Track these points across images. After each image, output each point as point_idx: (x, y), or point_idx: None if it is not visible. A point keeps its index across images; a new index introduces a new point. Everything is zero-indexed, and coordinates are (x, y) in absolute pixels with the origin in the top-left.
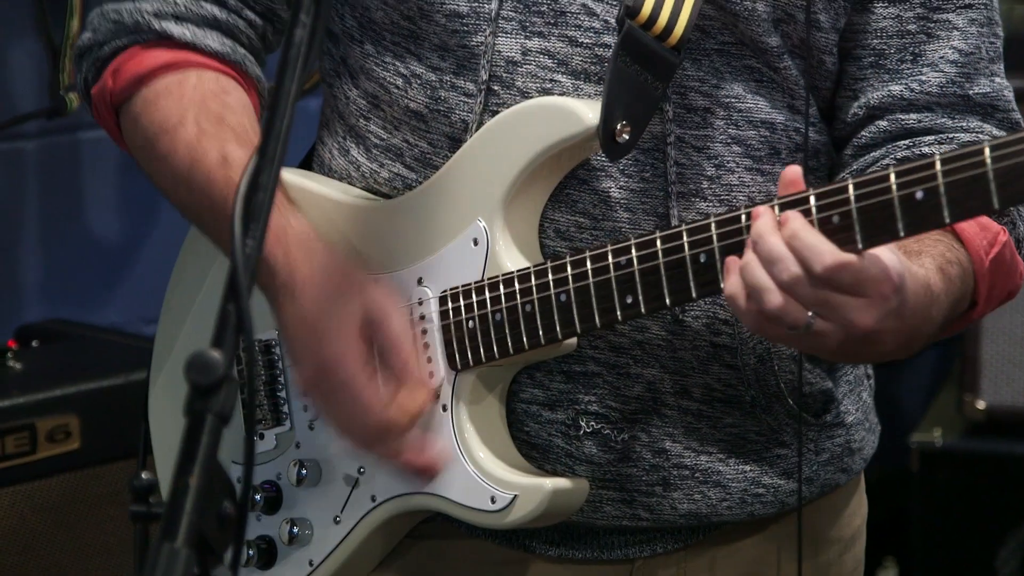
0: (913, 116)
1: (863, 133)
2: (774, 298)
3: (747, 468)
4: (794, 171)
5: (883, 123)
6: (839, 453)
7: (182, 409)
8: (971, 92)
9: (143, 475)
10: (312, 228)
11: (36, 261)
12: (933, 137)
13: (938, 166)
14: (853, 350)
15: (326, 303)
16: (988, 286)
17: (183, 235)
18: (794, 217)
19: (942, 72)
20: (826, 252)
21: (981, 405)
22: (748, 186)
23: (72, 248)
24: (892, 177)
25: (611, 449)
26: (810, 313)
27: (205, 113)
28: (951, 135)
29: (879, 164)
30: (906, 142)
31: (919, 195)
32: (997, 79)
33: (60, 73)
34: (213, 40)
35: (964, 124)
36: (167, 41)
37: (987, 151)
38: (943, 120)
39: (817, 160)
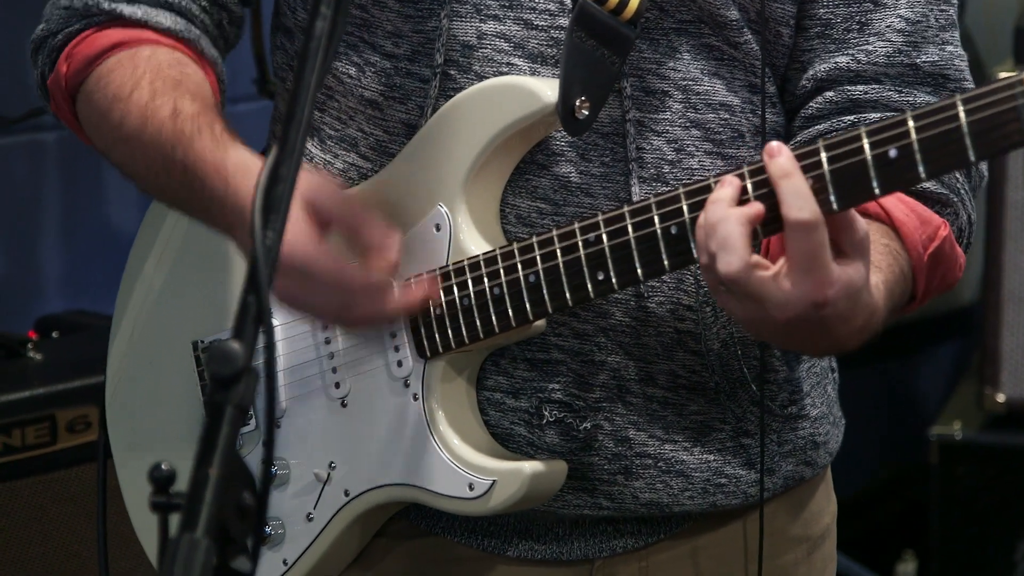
0: (860, 88)
1: (810, 104)
2: (710, 276)
3: (711, 457)
4: (778, 143)
5: (831, 94)
6: (803, 445)
7: (153, 406)
8: (919, 61)
9: (163, 465)
10: (251, 156)
11: (56, 252)
12: (877, 114)
13: (911, 123)
14: (757, 330)
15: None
16: (926, 280)
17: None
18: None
19: (888, 41)
20: (735, 259)
21: (1001, 398)
22: (708, 170)
23: (92, 239)
24: (864, 137)
25: (573, 438)
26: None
27: (160, 78)
28: (897, 109)
29: (823, 137)
30: (851, 117)
31: (892, 153)
32: (948, 47)
33: None
34: (166, 18)
35: (911, 99)
36: (119, 21)
37: (959, 105)
38: (889, 93)
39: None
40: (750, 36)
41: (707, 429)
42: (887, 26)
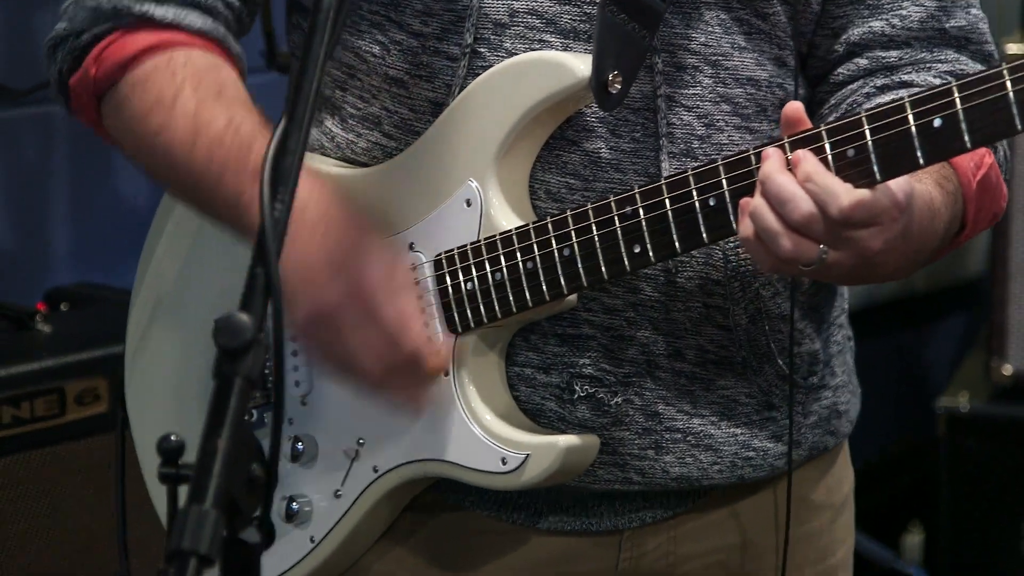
0: (893, 53)
1: (840, 70)
2: (785, 242)
3: (738, 431)
4: (795, 107)
5: (863, 60)
6: (826, 415)
7: (172, 377)
8: (947, 25)
9: (172, 437)
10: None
11: (66, 225)
12: (909, 76)
13: (956, 92)
14: (860, 273)
15: (352, 237)
16: (976, 208)
17: None
18: (806, 157)
19: (922, 6)
20: (841, 194)
21: (1008, 370)
22: (737, 145)
23: (102, 212)
24: (908, 107)
25: (604, 413)
26: (822, 246)
27: (203, 86)
28: (929, 65)
29: (855, 96)
30: (883, 80)
31: (937, 123)
32: (973, 10)
33: None
34: (195, 19)
35: (941, 56)
36: (149, 23)
37: (1006, 72)
38: (923, 54)
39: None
40: (779, 7)
41: (734, 403)
42: None
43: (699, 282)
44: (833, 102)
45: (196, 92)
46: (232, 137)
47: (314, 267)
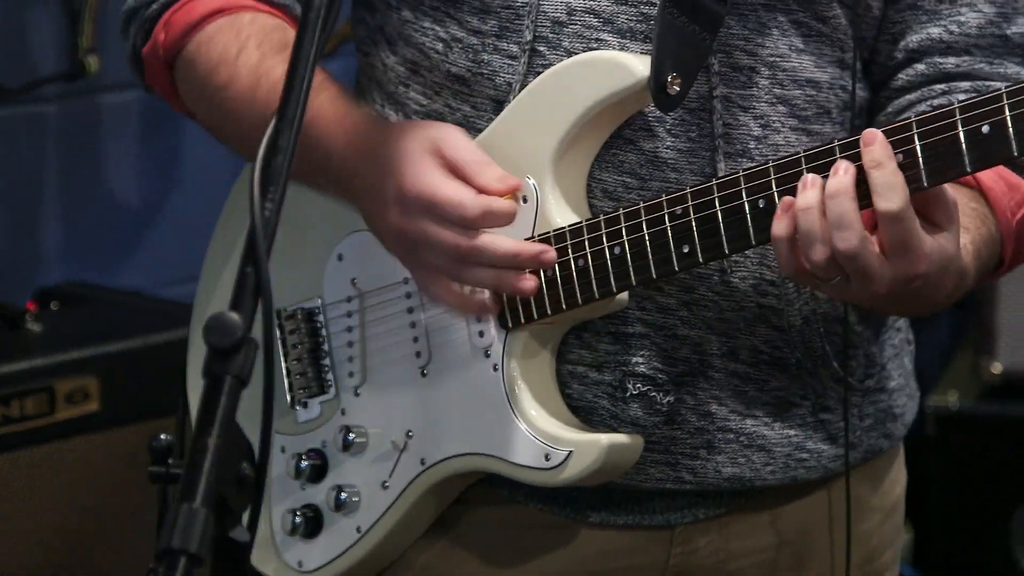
0: (951, 60)
1: (900, 76)
2: (821, 250)
3: (792, 433)
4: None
5: (921, 66)
6: (882, 418)
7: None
8: (1009, 32)
9: (162, 436)
10: (371, 114)
11: (56, 224)
12: (969, 83)
13: (1005, 99)
14: (874, 305)
15: (382, 152)
16: (1014, 246)
17: (204, 198)
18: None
19: (980, 12)
20: (852, 235)
21: (997, 368)
22: (794, 146)
23: (92, 211)
24: (957, 113)
25: (656, 412)
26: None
27: (268, 41)
28: (987, 82)
29: (914, 109)
30: (942, 86)
31: (985, 129)
32: None
33: (79, 36)
34: None
35: (1002, 70)
36: None
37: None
38: (981, 66)
39: (861, 119)
40: (840, 11)
41: (788, 404)
42: None
43: (753, 282)
44: (891, 109)
45: (260, 47)
46: None
47: (369, 202)
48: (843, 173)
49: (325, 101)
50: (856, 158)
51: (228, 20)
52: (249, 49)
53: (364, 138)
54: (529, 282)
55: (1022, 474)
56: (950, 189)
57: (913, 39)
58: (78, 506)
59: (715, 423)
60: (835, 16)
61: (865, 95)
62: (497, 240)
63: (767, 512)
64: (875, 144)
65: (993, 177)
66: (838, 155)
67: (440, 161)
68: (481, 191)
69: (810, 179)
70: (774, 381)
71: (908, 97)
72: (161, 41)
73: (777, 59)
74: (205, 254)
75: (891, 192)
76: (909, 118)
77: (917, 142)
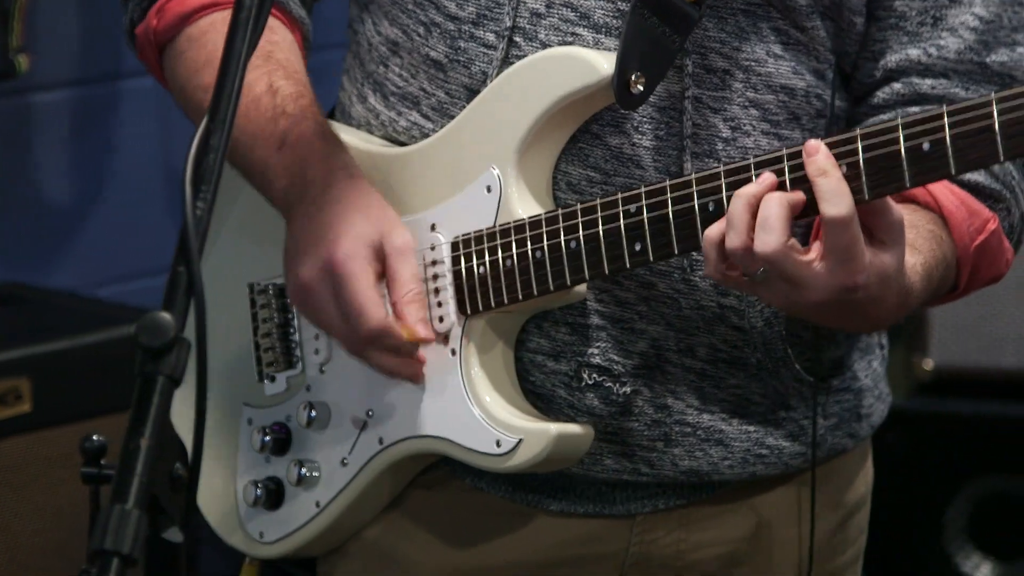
0: (928, 81)
1: (877, 94)
2: (736, 240)
3: (751, 428)
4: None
5: (898, 85)
6: (847, 418)
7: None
8: (988, 60)
9: (94, 437)
10: (332, 135)
11: None
12: (944, 102)
13: (946, 118)
14: (801, 314)
15: (338, 211)
16: (970, 272)
17: (136, 197)
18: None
19: (961, 38)
20: (773, 239)
21: (929, 365)
22: (763, 149)
23: (25, 211)
24: (900, 129)
25: (613, 402)
26: (761, 269)
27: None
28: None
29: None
30: (917, 109)
31: (926, 146)
32: (1019, 48)
33: (9, 35)
34: None
35: (976, 94)
36: None
37: (994, 103)
38: (957, 90)
39: (839, 127)
40: (820, 23)
41: (746, 402)
42: (961, 23)
43: (714, 282)
44: (868, 124)
45: None
46: (268, 102)
47: (299, 239)
48: (762, 178)
49: (310, 131)
50: (801, 166)
51: (220, 18)
52: None
53: (329, 185)
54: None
55: (955, 471)
56: (899, 208)
57: (892, 58)
58: (10, 508)
59: (672, 416)
60: (815, 27)
61: (844, 105)
62: (379, 358)
63: (729, 505)
64: (819, 154)
65: (955, 203)
66: (785, 163)
67: (376, 256)
68: (395, 313)
69: (765, 176)
70: (732, 379)
71: (883, 117)
72: (153, 26)
73: (753, 64)
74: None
75: (837, 198)
76: (855, 130)
77: (861, 155)
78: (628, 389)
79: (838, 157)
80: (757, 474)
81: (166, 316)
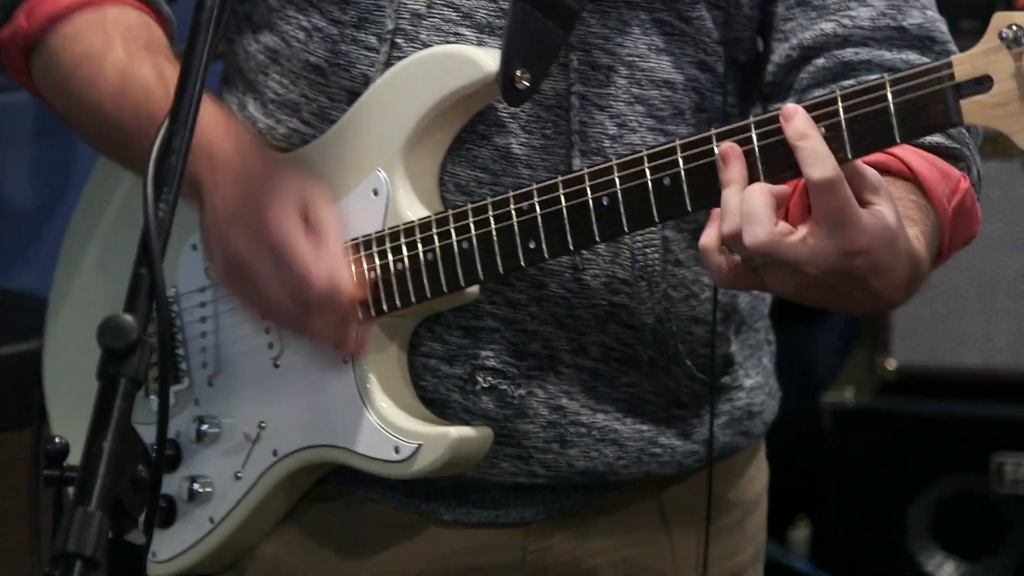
0: (849, 50)
1: (801, 76)
2: (729, 224)
3: (644, 428)
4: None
5: (820, 61)
6: (739, 416)
7: (95, 372)
8: (905, 24)
9: (56, 439)
10: (231, 118)
11: None
12: (875, 75)
13: (840, 102)
14: (813, 296)
15: (258, 181)
16: (951, 234)
17: None
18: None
19: (871, 6)
20: (761, 229)
21: (892, 365)
22: (650, 146)
23: None
24: (887, 86)
25: (508, 405)
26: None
27: (133, 40)
28: (891, 64)
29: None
30: (850, 82)
31: (822, 131)
32: (929, 11)
33: None
34: None
35: (905, 57)
36: None
37: (888, 86)
38: (882, 52)
39: (726, 122)
40: (705, 12)
41: (639, 400)
42: None
43: (605, 280)
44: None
45: (126, 47)
46: (161, 90)
47: (223, 215)
48: (730, 164)
49: (207, 112)
50: (708, 154)
51: (95, 15)
52: (116, 48)
53: (242, 157)
54: (360, 348)
55: (918, 469)
56: (868, 167)
57: (807, 36)
58: None
59: (567, 417)
60: (699, 17)
61: (732, 100)
62: (324, 325)
63: (624, 508)
64: (796, 118)
65: (928, 167)
66: (678, 154)
67: (304, 217)
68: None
69: (728, 149)
70: (625, 377)
71: (817, 93)
72: (23, 28)
73: (636, 59)
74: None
75: (820, 161)
76: (832, 91)
77: (842, 115)
78: (523, 391)
79: (816, 119)
80: (652, 473)
81: (128, 318)
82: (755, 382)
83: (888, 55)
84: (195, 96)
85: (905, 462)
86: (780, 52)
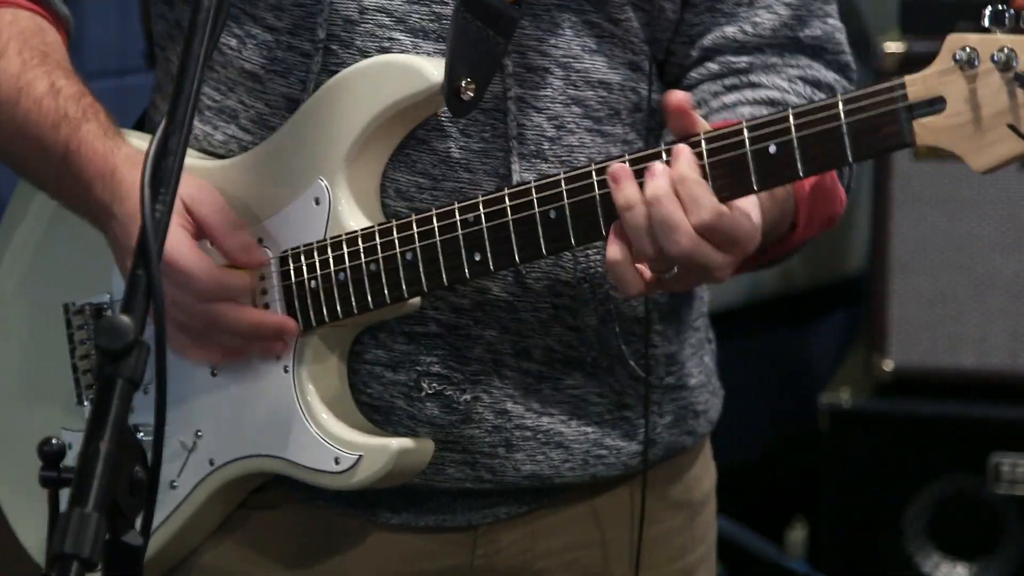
0: (744, 59)
1: (692, 74)
2: (649, 245)
3: (589, 430)
4: (679, 96)
5: (713, 65)
6: (683, 415)
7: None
8: (801, 35)
9: (53, 440)
10: (138, 152)
11: None
12: (761, 70)
13: (791, 120)
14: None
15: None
16: (808, 210)
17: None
18: (686, 162)
19: (776, 15)
20: (705, 209)
21: (889, 366)
22: (588, 147)
23: None
24: (745, 132)
25: (453, 411)
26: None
27: (28, 48)
28: (780, 69)
29: (703, 95)
30: (731, 80)
31: (772, 148)
32: (830, 20)
33: None
34: None
35: (793, 61)
36: None
37: (840, 105)
38: (773, 59)
39: (655, 120)
40: (632, 14)
41: (584, 402)
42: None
43: (548, 283)
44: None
45: (20, 54)
46: (51, 101)
47: (122, 243)
48: (659, 176)
49: (91, 133)
50: (640, 174)
51: (9, 15)
52: (10, 55)
53: (119, 183)
54: (278, 347)
55: (915, 470)
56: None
57: (708, 38)
58: None
59: (512, 421)
60: (627, 19)
61: (658, 98)
62: (238, 314)
63: (571, 510)
64: (624, 182)
65: None
66: (629, 165)
67: (186, 221)
68: (225, 256)
69: (650, 170)
70: (569, 379)
71: (700, 89)
72: None
73: (570, 60)
74: None
75: (697, 207)
76: (699, 134)
77: (706, 158)
78: (468, 396)
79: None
80: (598, 475)
81: (125, 319)
82: (698, 380)
83: (779, 61)
84: (192, 96)
85: (902, 463)
86: (681, 53)
